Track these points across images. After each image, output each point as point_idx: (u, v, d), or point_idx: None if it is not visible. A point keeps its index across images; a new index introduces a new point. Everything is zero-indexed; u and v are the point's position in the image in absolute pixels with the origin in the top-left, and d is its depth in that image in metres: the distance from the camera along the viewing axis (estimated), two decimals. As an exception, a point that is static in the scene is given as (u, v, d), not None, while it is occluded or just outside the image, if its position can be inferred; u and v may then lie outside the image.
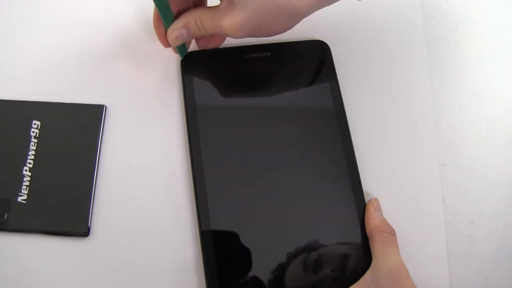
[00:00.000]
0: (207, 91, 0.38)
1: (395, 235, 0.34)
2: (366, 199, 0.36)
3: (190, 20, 0.34)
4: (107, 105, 0.38)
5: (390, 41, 0.41)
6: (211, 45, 0.38)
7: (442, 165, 0.39)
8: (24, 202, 0.35)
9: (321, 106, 0.38)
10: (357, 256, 0.34)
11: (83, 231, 0.35)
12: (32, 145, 0.36)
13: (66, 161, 0.36)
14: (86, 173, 0.36)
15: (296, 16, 0.33)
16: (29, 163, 0.36)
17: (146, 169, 0.37)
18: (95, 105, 0.38)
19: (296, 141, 0.37)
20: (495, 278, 0.36)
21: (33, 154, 0.36)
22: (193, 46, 0.40)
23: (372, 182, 0.37)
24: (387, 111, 0.40)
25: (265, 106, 0.38)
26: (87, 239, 0.35)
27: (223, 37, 0.38)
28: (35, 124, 0.37)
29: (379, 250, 0.33)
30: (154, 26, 0.36)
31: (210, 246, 0.33)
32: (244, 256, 0.33)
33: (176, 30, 0.35)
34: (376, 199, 0.36)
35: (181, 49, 0.38)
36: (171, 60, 0.40)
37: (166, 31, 0.36)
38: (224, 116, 0.37)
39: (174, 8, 0.35)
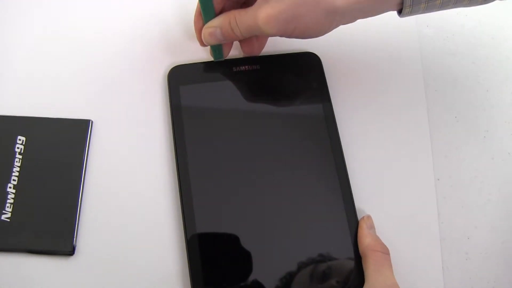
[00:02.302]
0: (194, 105, 0.37)
1: (388, 254, 0.33)
2: (359, 216, 0.35)
3: (225, 20, 0.34)
4: (93, 120, 0.37)
5: (383, 52, 0.40)
6: (255, 51, 0.38)
7: (438, 179, 0.38)
8: (8, 220, 0.34)
9: (312, 119, 0.37)
10: (350, 276, 0.33)
11: (68, 250, 0.34)
12: (16, 161, 0.36)
13: (51, 177, 0.35)
14: (71, 189, 0.35)
15: (332, 14, 0.32)
16: (14, 180, 0.35)
17: (132, 185, 0.36)
18: (80, 120, 0.37)
19: (286, 156, 0.36)
20: (493, 296, 0.35)
21: (17, 171, 0.35)
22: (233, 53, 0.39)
23: (365, 198, 0.36)
24: (381, 124, 0.39)
25: (254, 120, 0.37)
26: (72, 258, 0.34)
27: (263, 42, 0.38)
28: (19, 139, 0.36)
29: (372, 270, 0.32)
30: (194, 22, 0.36)
31: (196, 256, 0.33)
32: (230, 265, 0.33)
33: (211, 28, 0.35)
34: (369, 217, 0.35)
35: (216, 51, 0.37)
36: (158, 74, 0.39)
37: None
38: (212, 131, 0.36)
39: (218, 6, 0.35)
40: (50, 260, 0.34)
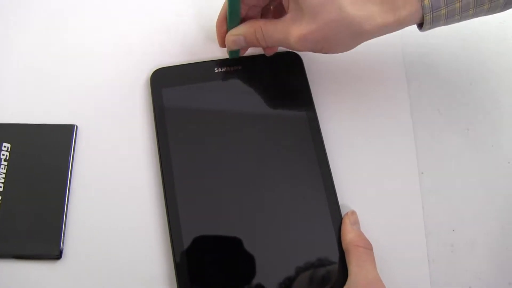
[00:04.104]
0: (176, 107, 0.37)
1: (371, 249, 0.33)
2: (343, 212, 0.35)
3: (250, 30, 0.35)
4: (77, 125, 0.37)
5: (364, 48, 0.40)
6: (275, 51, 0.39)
7: (422, 172, 0.38)
8: (-5, 226, 0.34)
9: (294, 117, 0.37)
10: (333, 272, 0.33)
11: (55, 254, 0.34)
12: (2, 168, 0.36)
13: (37, 183, 0.36)
14: (57, 194, 0.36)
15: (360, 37, 0.33)
16: None
17: (118, 188, 0.36)
18: (65, 125, 0.37)
19: (269, 155, 0.36)
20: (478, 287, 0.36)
21: (3, 178, 0.36)
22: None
23: (349, 194, 0.36)
24: (363, 120, 0.39)
25: (236, 121, 0.37)
26: (59, 262, 0.34)
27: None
28: (5, 146, 0.36)
29: (354, 265, 0.32)
30: (217, 25, 0.37)
31: (182, 259, 0.33)
32: (215, 267, 0.33)
33: (235, 36, 0.36)
34: (353, 212, 0.35)
35: (233, 51, 0.38)
36: (141, 77, 0.39)
37: (226, 32, 0.37)
38: (195, 130, 0.37)
39: (242, 11, 0.36)
40: (38, 264, 0.34)
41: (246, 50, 0.39)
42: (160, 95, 0.37)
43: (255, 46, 0.37)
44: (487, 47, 0.42)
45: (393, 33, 0.40)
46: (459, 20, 0.33)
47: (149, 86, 0.38)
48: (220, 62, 0.39)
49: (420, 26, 0.34)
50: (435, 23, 0.33)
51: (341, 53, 0.39)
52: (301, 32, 0.33)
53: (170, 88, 0.38)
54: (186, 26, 0.41)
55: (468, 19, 0.34)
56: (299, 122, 0.37)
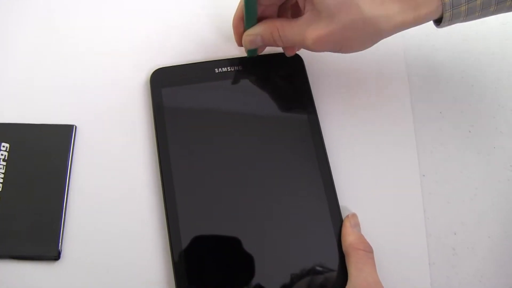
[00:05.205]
0: (176, 107, 0.37)
1: (371, 252, 0.33)
2: (344, 214, 0.35)
3: (267, 30, 0.35)
4: (76, 125, 0.37)
5: (366, 50, 0.40)
6: (296, 51, 0.38)
7: (423, 175, 0.38)
8: (-7, 226, 0.34)
9: (294, 118, 0.37)
10: (333, 274, 0.33)
11: (54, 255, 0.34)
12: (0, 168, 0.36)
13: (36, 183, 0.36)
14: (56, 195, 0.35)
15: (378, 36, 0.33)
16: (-2, 186, 0.35)
17: (117, 188, 0.36)
18: (64, 125, 0.37)
19: (269, 156, 0.36)
20: (479, 291, 0.35)
21: (1, 178, 0.35)
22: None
23: (350, 196, 0.36)
24: (365, 122, 0.39)
25: (236, 121, 0.37)
26: (57, 263, 0.34)
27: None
28: (3, 146, 0.36)
29: (354, 268, 0.32)
30: (234, 25, 0.37)
31: (181, 261, 0.33)
32: (214, 269, 0.33)
33: (252, 36, 0.36)
34: (353, 215, 0.35)
35: (251, 50, 0.38)
36: (141, 77, 0.39)
37: (244, 31, 0.36)
38: (195, 131, 0.36)
39: (258, 11, 0.35)
40: (36, 265, 0.34)
41: (264, 48, 0.38)
42: (160, 95, 0.37)
43: (272, 46, 0.37)
44: (489, 48, 0.42)
45: (395, 35, 0.40)
46: (479, 17, 0.33)
47: (149, 86, 0.38)
48: (220, 62, 0.38)
49: (438, 22, 0.33)
50: (454, 20, 0.32)
51: (343, 55, 0.39)
52: (319, 34, 0.33)
53: (170, 88, 0.37)
54: (187, 26, 0.41)
55: (488, 16, 0.33)
56: (299, 123, 0.37)
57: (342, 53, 0.35)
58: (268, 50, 0.39)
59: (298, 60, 0.39)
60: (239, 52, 0.40)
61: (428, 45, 0.42)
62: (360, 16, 0.31)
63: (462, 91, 0.41)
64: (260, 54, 0.39)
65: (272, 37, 0.35)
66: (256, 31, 0.36)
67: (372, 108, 0.39)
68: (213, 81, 0.38)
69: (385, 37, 0.34)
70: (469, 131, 0.39)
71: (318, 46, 0.34)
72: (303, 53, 0.39)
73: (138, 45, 0.40)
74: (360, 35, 0.33)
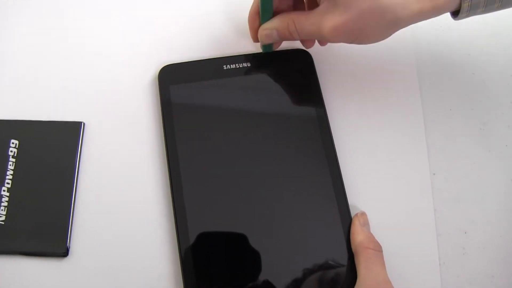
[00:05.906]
0: (184, 104, 0.37)
1: (380, 251, 0.33)
2: (353, 213, 0.35)
3: (283, 23, 0.35)
4: (85, 122, 0.37)
5: (375, 46, 0.40)
6: (312, 44, 0.38)
7: (434, 173, 0.37)
8: (2, 223, 0.34)
9: (303, 116, 0.37)
10: (342, 273, 0.33)
11: (62, 251, 0.34)
12: (10, 165, 0.36)
13: (45, 180, 0.36)
14: (65, 191, 0.35)
15: (395, 25, 0.33)
16: (7, 183, 0.35)
17: (125, 185, 0.36)
18: (73, 122, 0.37)
19: (277, 154, 0.36)
20: (490, 291, 0.35)
21: (11, 174, 0.36)
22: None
23: (359, 194, 0.36)
24: (374, 118, 0.39)
25: (244, 118, 0.37)
26: (66, 259, 0.34)
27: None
28: (13, 143, 0.36)
29: (364, 267, 0.31)
30: (249, 19, 0.37)
31: (189, 258, 0.33)
32: (223, 266, 0.33)
33: (267, 30, 0.36)
34: (363, 213, 0.35)
35: (266, 45, 0.38)
36: (149, 73, 0.39)
37: (259, 26, 0.36)
38: (203, 128, 0.36)
39: (274, 5, 0.35)
40: (44, 262, 0.34)
41: (280, 44, 0.38)
42: (168, 92, 0.37)
43: (288, 40, 0.36)
44: (500, 43, 0.41)
45: (404, 30, 0.40)
46: (498, 8, 0.32)
47: (157, 83, 0.38)
48: (228, 59, 0.38)
49: (456, 14, 0.33)
50: (472, 11, 0.32)
51: (352, 51, 0.39)
52: (335, 23, 0.32)
53: (178, 85, 0.37)
54: (195, 22, 0.41)
55: (508, 7, 0.32)
56: (308, 120, 0.37)
57: (357, 43, 0.34)
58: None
59: (306, 56, 0.39)
60: (252, 48, 0.39)
61: (439, 41, 0.41)
62: (377, 3, 0.31)
63: (473, 87, 0.40)
64: (275, 50, 0.38)
65: (288, 30, 0.35)
66: (272, 25, 0.35)
67: (382, 106, 0.39)
68: (221, 78, 0.38)
69: (402, 26, 0.33)
70: (480, 129, 0.39)
71: (334, 35, 0.33)
72: (311, 49, 0.39)
73: (146, 42, 0.40)
74: (376, 24, 0.32)
